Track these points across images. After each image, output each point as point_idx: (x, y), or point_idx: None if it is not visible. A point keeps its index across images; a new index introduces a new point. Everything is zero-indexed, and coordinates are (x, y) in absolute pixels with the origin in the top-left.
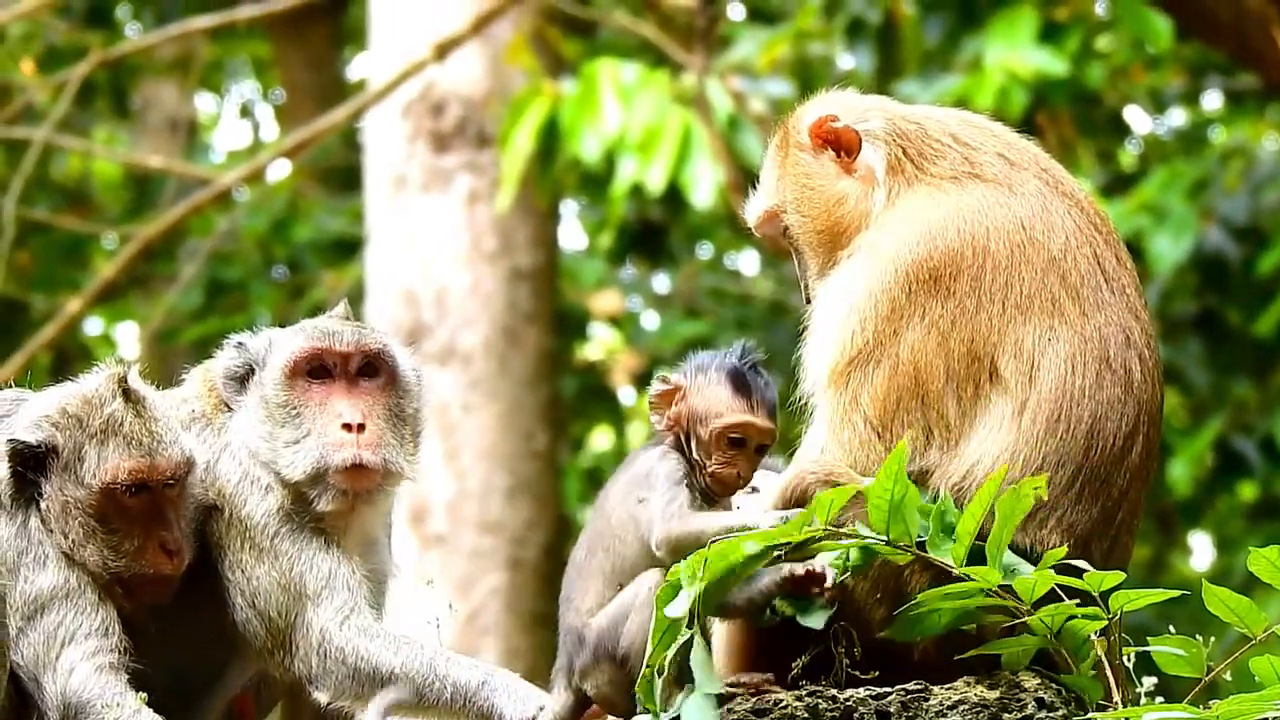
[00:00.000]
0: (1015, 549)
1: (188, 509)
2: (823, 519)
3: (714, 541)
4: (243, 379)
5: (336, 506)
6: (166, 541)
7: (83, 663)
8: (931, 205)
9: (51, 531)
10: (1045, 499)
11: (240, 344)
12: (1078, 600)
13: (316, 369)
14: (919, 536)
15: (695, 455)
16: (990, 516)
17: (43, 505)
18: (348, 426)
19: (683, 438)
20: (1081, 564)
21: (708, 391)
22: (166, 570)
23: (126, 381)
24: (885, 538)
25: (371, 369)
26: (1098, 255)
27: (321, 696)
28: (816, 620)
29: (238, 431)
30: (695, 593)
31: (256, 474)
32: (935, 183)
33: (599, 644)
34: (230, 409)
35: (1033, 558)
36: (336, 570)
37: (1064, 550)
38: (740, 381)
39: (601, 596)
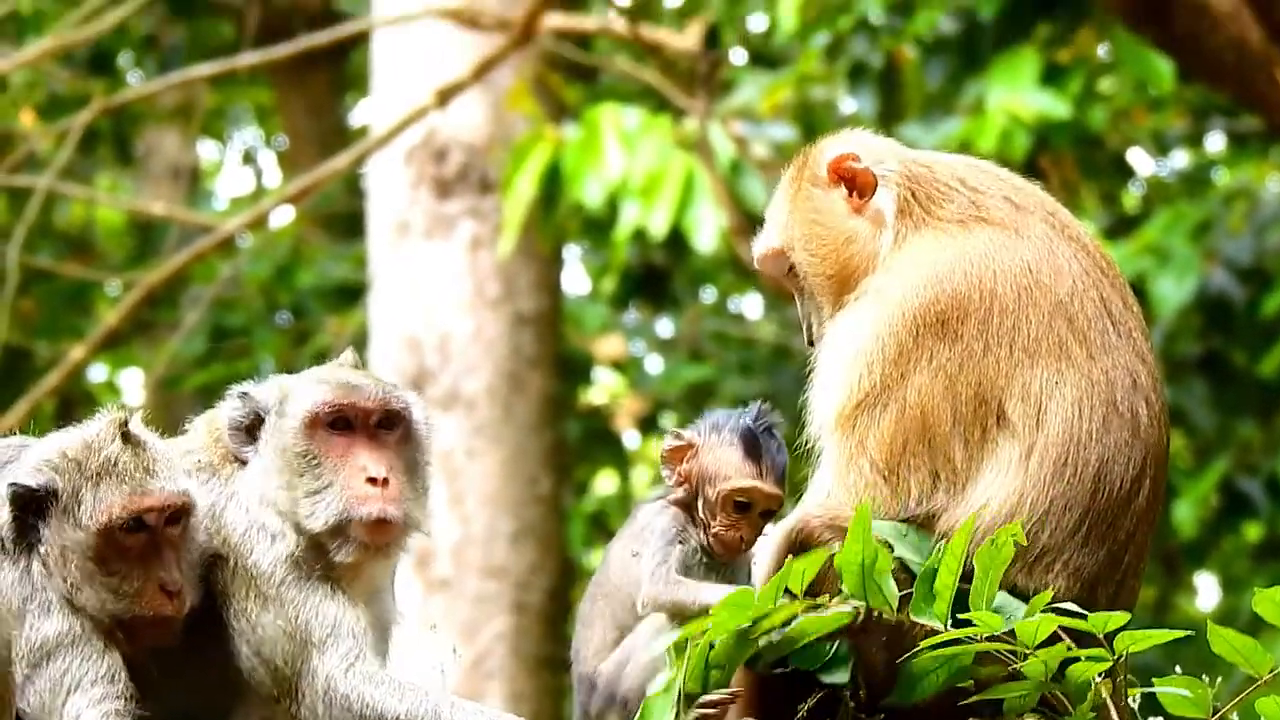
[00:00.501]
0: (1019, 593)
1: (191, 553)
2: (797, 588)
3: (692, 614)
4: (249, 429)
5: (355, 559)
6: (166, 583)
7: (89, 710)
8: (938, 249)
9: (51, 575)
10: (1025, 544)
11: (245, 394)
12: (1069, 644)
13: (337, 421)
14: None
15: (702, 514)
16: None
17: (42, 549)
18: (372, 480)
19: (692, 495)
20: (1071, 606)
21: (719, 452)
22: (167, 612)
23: (126, 425)
24: (864, 604)
25: (390, 422)
26: (1104, 299)
27: None
28: (840, 676)
29: (249, 480)
30: (680, 675)
31: (264, 522)
32: (942, 226)
33: (606, 689)
34: (237, 459)
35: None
36: (342, 618)
37: (1049, 594)
38: (751, 445)
39: (604, 642)
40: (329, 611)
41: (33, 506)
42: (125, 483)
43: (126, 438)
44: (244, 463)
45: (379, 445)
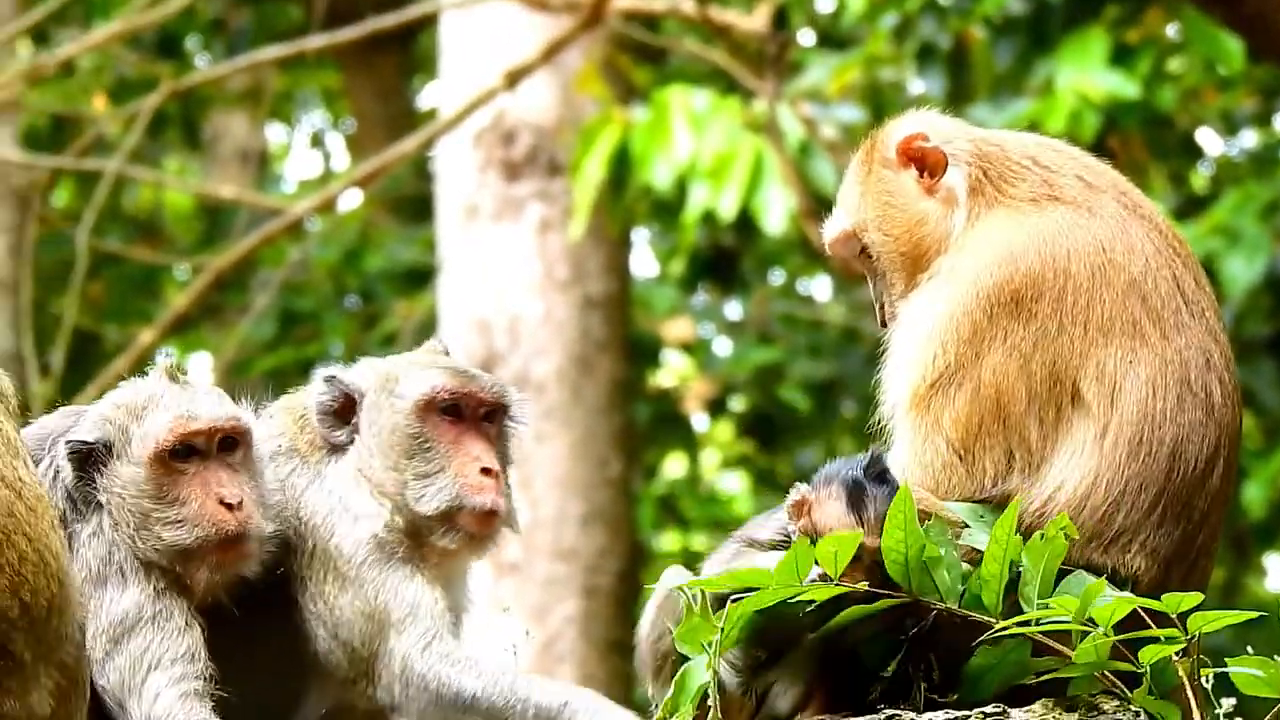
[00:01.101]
0: (1097, 571)
1: (258, 485)
2: (833, 571)
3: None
4: (339, 412)
5: (458, 547)
6: (224, 497)
7: (168, 689)
8: (1012, 227)
9: (118, 525)
10: (1076, 538)
11: (333, 377)
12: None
13: (451, 408)
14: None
15: None
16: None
17: (103, 498)
18: (485, 471)
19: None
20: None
21: (827, 506)
22: (230, 526)
23: (174, 367)
24: (909, 594)
25: (496, 415)
26: (1177, 278)
27: None
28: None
29: (346, 462)
30: (716, 643)
31: (351, 503)
32: (1015, 205)
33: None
34: (327, 443)
35: (1116, 580)
36: (421, 599)
37: (1103, 583)
38: (856, 497)
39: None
40: (408, 593)
41: (93, 461)
42: (169, 411)
43: (173, 377)
44: (334, 447)
45: (484, 437)
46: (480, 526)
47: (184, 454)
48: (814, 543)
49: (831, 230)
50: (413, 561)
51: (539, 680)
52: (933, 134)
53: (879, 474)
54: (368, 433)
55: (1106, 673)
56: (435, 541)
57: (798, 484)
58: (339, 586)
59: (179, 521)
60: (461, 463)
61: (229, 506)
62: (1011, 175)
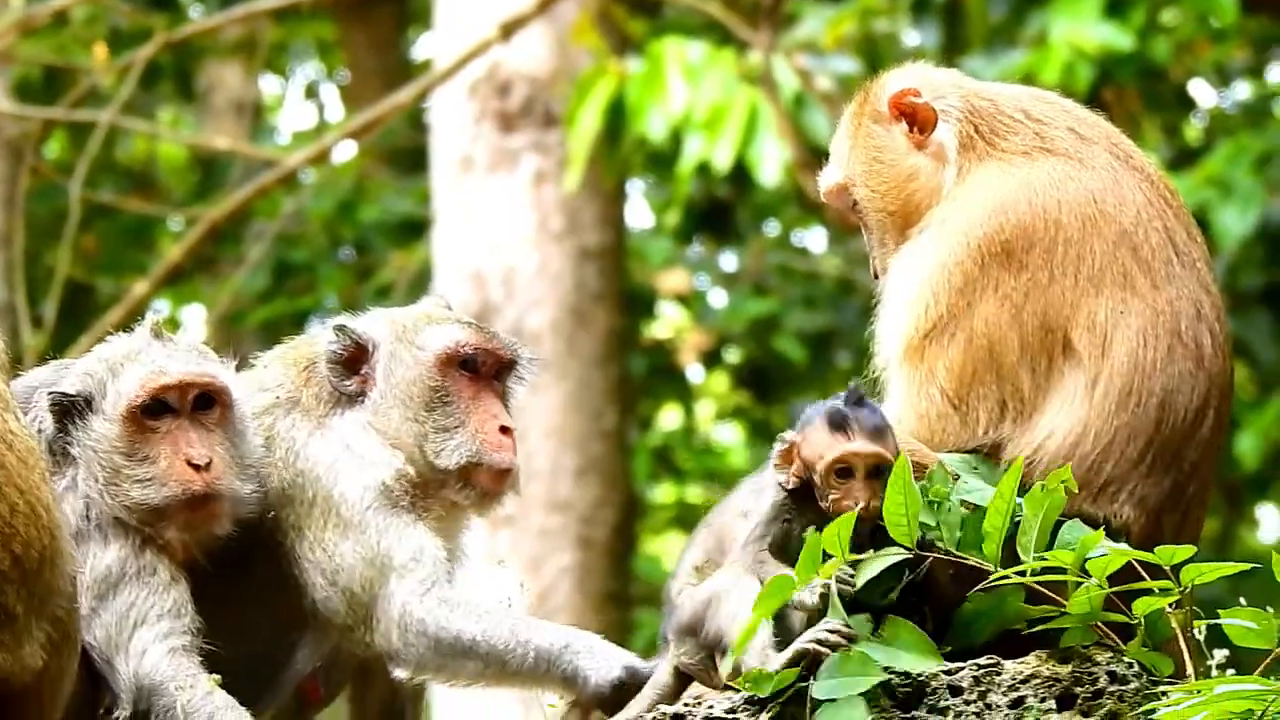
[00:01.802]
0: (1087, 521)
1: (237, 444)
2: (840, 552)
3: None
4: (347, 362)
5: (469, 502)
6: (191, 457)
7: (155, 644)
8: (1002, 179)
9: (91, 480)
10: (1075, 491)
11: (343, 327)
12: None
13: (469, 362)
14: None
15: (821, 501)
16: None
17: (75, 452)
18: (504, 430)
19: (808, 487)
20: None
21: (812, 439)
22: (196, 486)
23: (158, 325)
24: (910, 550)
25: (506, 373)
26: (1168, 229)
27: (402, 672)
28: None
29: (361, 411)
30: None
31: (361, 449)
32: (1006, 157)
33: (683, 619)
34: (337, 392)
35: (1109, 531)
36: (424, 545)
37: (1100, 534)
38: (837, 419)
39: (692, 568)
40: (412, 539)
41: (72, 414)
42: (145, 367)
43: (157, 334)
44: (341, 398)
45: (498, 394)
46: (495, 484)
47: (156, 411)
48: (812, 484)
49: (824, 183)
50: (415, 511)
51: (538, 623)
52: (925, 89)
53: (857, 399)
54: (384, 383)
55: (1101, 624)
56: (447, 495)
57: (780, 436)
58: (340, 533)
59: (148, 480)
60: (481, 419)
61: (197, 467)
62: (1003, 129)
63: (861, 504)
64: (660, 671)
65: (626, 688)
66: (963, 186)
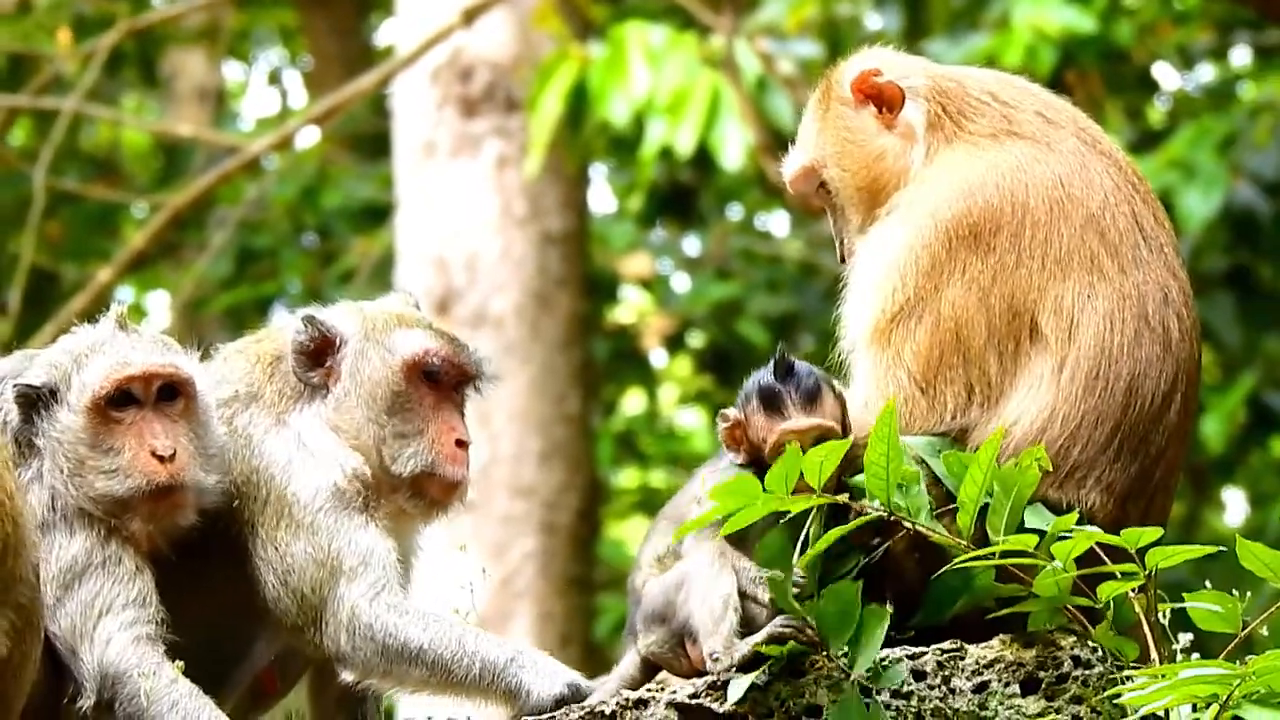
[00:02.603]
0: (1051, 506)
1: (202, 435)
2: (814, 480)
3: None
4: (313, 354)
5: (415, 511)
6: (156, 449)
7: (120, 633)
8: (970, 162)
9: (56, 473)
10: (1049, 469)
11: (312, 318)
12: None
13: (434, 372)
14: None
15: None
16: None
17: (40, 443)
18: (460, 444)
19: (762, 461)
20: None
21: (753, 421)
22: (160, 478)
23: (123, 316)
24: (886, 510)
25: (467, 385)
26: (1135, 213)
27: (349, 675)
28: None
29: (322, 406)
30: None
31: (316, 448)
32: (974, 140)
33: (653, 607)
34: (304, 384)
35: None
36: (374, 548)
37: (1074, 516)
38: (769, 398)
39: (655, 558)
40: (362, 541)
41: (38, 406)
42: (109, 358)
43: (122, 325)
44: (308, 389)
45: (456, 406)
46: (444, 495)
47: (121, 402)
48: (761, 462)
49: (791, 166)
50: (368, 512)
51: (486, 635)
52: (888, 70)
53: (787, 368)
54: (350, 380)
55: (1069, 608)
56: (396, 500)
57: (722, 412)
58: (292, 533)
59: (112, 471)
60: (439, 430)
61: (161, 459)
62: (970, 110)
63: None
64: (625, 664)
65: (569, 704)
66: (930, 168)
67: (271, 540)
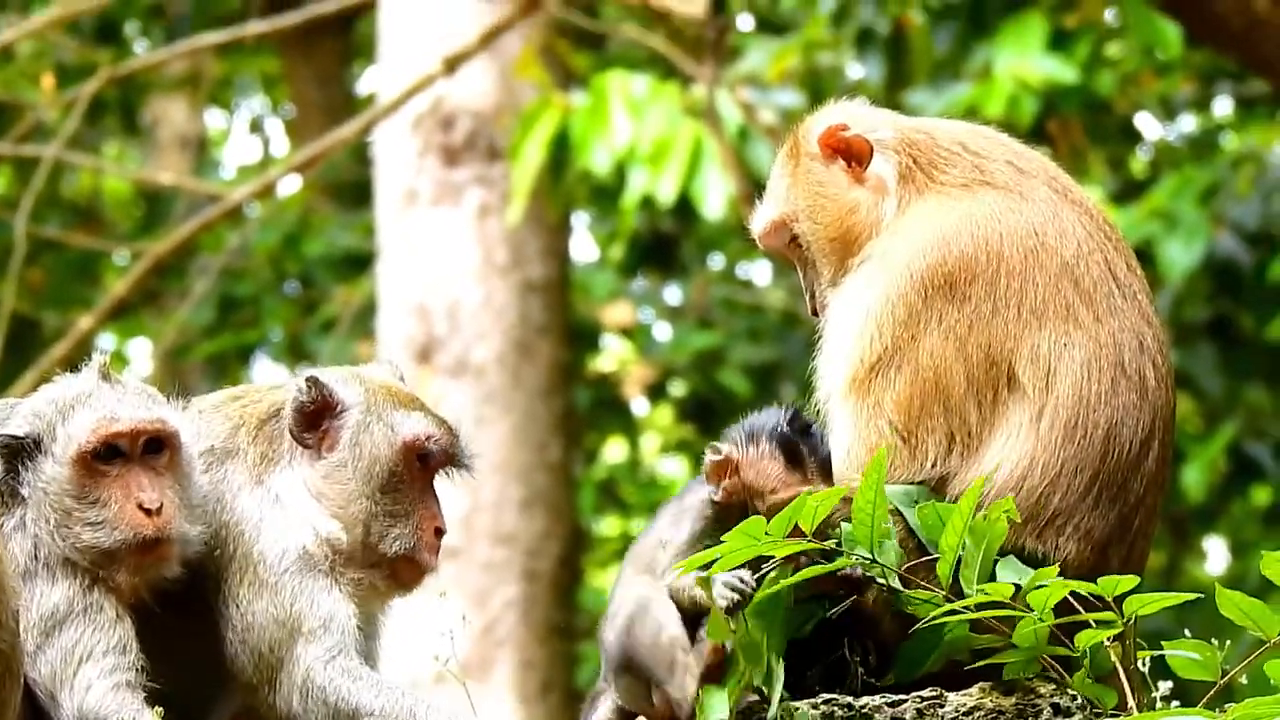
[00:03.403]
0: (1028, 558)
1: (185, 487)
2: (807, 526)
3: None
4: (313, 416)
5: (383, 589)
6: (143, 502)
7: (100, 680)
8: (944, 212)
9: (40, 520)
10: (1018, 520)
11: (315, 380)
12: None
13: (428, 456)
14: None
15: None
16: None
17: (25, 492)
18: (439, 532)
19: (740, 505)
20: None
21: (760, 465)
22: (147, 531)
23: (106, 366)
24: (872, 556)
25: (450, 470)
26: (1109, 262)
27: None
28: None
29: (312, 470)
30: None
31: (291, 511)
32: (946, 190)
33: (612, 655)
34: (279, 450)
35: (1050, 565)
36: (335, 613)
37: (1054, 570)
38: (793, 454)
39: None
40: (324, 604)
41: (21, 456)
42: (96, 411)
43: (105, 376)
44: (301, 449)
45: (437, 492)
46: (415, 580)
47: (107, 455)
48: (747, 504)
49: (760, 221)
50: (333, 576)
51: (439, 704)
52: (854, 124)
53: (804, 427)
54: (349, 450)
55: (1045, 656)
56: (368, 575)
57: (713, 445)
58: (255, 591)
59: (99, 523)
60: (423, 516)
61: (148, 512)
62: (941, 161)
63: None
64: (602, 712)
65: None
66: (903, 219)
67: (234, 597)
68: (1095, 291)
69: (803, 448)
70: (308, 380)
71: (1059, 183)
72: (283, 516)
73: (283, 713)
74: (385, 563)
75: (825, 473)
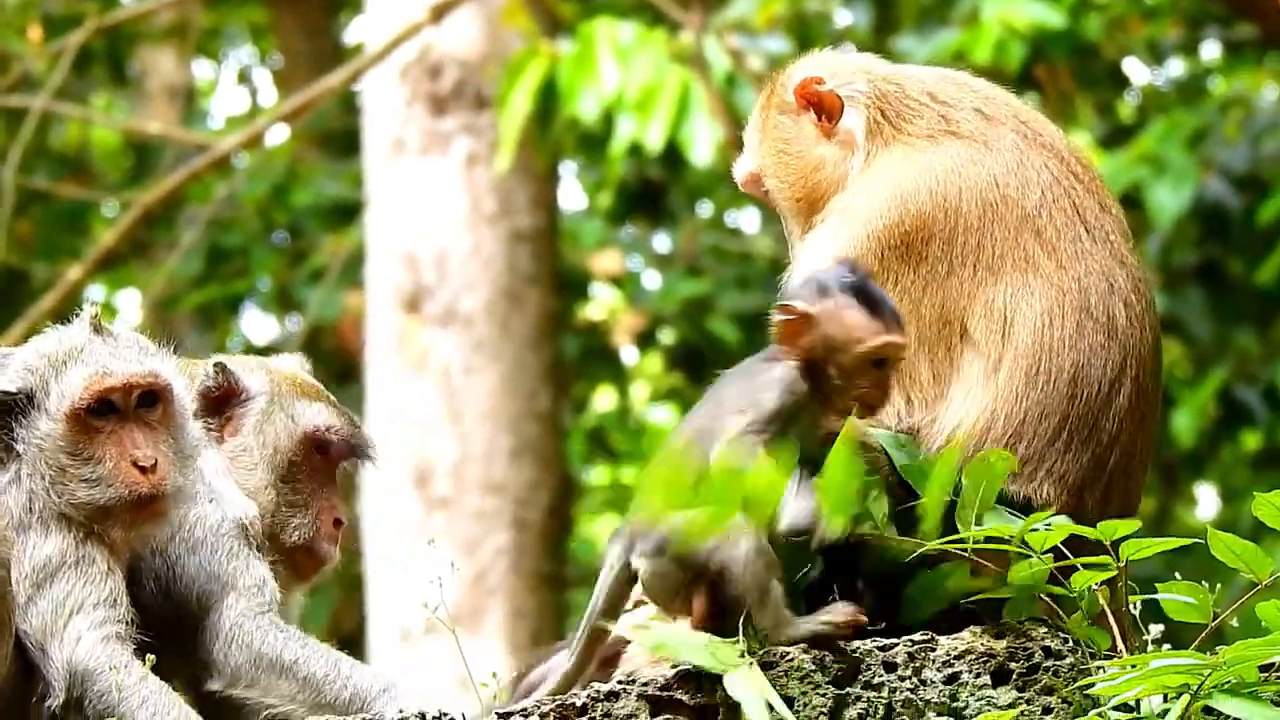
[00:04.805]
0: (1005, 500)
1: (180, 439)
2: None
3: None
4: (217, 402)
5: (295, 578)
6: (138, 459)
7: (90, 631)
8: (904, 165)
9: (34, 476)
10: (1017, 470)
11: (224, 367)
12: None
13: (328, 446)
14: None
15: (837, 381)
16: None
17: (20, 449)
18: (338, 524)
19: (821, 365)
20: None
21: (840, 317)
22: (142, 488)
23: (98, 318)
24: (848, 525)
25: (348, 461)
26: (1077, 205)
27: (216, 684)
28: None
29: (220, 452)
30: None
31: (222, 486)
32: (911, 142)
33: (659, 540)
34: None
35: (1030, 510)
36: (268, 579)
37: (1050, 512)
38: (872, 300)
39: None
40: (258, 569)
41: (14, 410)
42: (89, 366)
43: (97, 329)
44: (206, 430)
45: (337, 484)
46: (312, 571)
47: (101, 411)
48: (828, 361)
49: (738, 173)
50: (261, 553)
51: (364, 666)
52: (830, 76)
53: (868, 275)
54: (253, 438)
55: (1043, 596)
56: (284, 569)
57: (784, 304)
58: (188, 547)
59: (94, 480)
60: (323, 507)
61: (143, 469)
62: (909, 112)
63: (887, 398)
64: (558, 660)
65: None
66: (867, 173)
67: (161, 551)
68: (1059, 239)
69: (878, 295)
70: (215, 366)
71: (1028, 127)
72: (216, 490)
73: (202, 658)
74: (284, 552)
75: (900, 322)
